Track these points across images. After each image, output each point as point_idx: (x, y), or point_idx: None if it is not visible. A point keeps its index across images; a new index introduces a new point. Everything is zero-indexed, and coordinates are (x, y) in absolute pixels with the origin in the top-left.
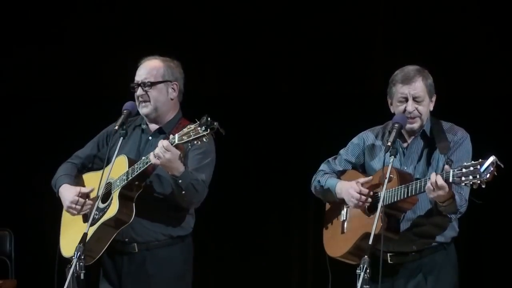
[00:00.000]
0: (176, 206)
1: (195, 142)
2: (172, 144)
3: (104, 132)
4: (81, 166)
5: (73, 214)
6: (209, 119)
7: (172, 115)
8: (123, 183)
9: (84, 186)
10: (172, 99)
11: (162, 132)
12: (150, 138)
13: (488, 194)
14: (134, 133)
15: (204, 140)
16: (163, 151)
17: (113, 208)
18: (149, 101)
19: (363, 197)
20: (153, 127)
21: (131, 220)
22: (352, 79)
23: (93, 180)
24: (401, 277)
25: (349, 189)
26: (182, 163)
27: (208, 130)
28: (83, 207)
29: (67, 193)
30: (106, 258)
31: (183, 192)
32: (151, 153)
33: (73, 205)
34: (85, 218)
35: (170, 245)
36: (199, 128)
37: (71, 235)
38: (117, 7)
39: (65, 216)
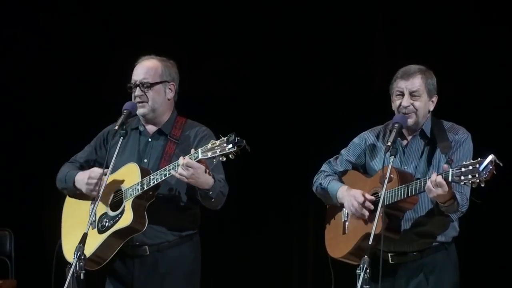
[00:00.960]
0: (183, 206)
1: (220, 158)
2: (194, 159)
3: (101, 135)
4: (80, 169)
5: (91, 192)
6: (237, 137)
7: (169, 115)
8: (137, 193)
9: None
10: (169, 100)
11: (162, 133)
12: (149, 140)
13: (488, 194)
14: (132, 136)
15: (230, 157)
16: (184, 169)
17: (128, 217)
18: (147, 101)
19: (365, 211)
20: (151, 128)
21: (144, 229)
22: (352, 78)
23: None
24: (402, 277)
25: (352, 197)
26: (210, 176)
27: (236, 147)
28: (98, 183)
29: (84, 174)
30: (117, 262)
31: (213, 200)
32: (172, 170)
33: (92, 180)
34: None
35: (180, 244)
36: (225, 145)
37: (76, 240)
38: (116, 6)
39: (67, 221)
